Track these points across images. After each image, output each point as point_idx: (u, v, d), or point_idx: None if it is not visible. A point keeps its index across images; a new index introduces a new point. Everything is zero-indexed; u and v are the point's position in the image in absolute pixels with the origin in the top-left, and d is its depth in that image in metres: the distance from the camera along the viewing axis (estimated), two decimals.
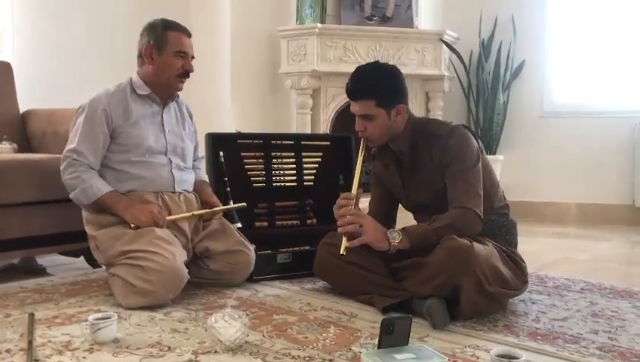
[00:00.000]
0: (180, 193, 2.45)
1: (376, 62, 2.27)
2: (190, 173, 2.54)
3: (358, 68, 2.23)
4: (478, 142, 2.22)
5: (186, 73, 2.42)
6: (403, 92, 2.22)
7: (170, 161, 2.43)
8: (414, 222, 2.38)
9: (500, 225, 2.22)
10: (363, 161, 2.26)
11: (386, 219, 2.41)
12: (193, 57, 2.45)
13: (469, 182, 2.12)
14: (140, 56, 2.42)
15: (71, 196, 2.30)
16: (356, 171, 2.22)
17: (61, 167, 2.32)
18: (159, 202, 2.36)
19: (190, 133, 2.58)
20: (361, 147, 2.26)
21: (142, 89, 2.41)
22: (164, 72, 2.39)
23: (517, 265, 2.16)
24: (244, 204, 2.63)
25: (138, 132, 2.36)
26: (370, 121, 2.17)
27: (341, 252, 2.09)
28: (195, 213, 2.43)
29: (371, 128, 2.19)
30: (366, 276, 2.20)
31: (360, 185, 2.22)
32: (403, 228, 2.12)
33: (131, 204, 2.29)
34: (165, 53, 2.37)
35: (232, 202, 2.73)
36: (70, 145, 2.32)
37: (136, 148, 2.36)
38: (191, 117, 2.63)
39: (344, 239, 2.09)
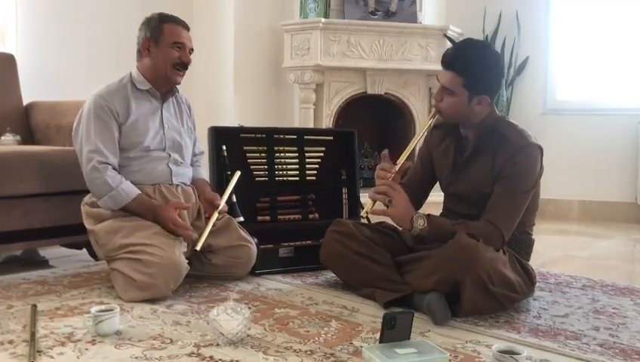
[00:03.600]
0: (178, 185, 2.44)
1: (486, 43, 2.18)
2: (188, 168, 2.53)
3: (466, 39, 2.16)
4: (542, 167, 2.14)
5: (182, 64, 2.40)
6: (495, 86, 2.15)
7: (169, 156, 2.43)
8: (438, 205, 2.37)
9: (517, 241, 2.19)
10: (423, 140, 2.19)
11: (419, 193, 2.38)
12: (192, 50, 2.43)
13: (514, 204, 2.08)
14: (138, 50, 2.42)
15: (99, 202, 2.28)
16: (411, 142, 2.14)
17: (86, 169, 2.29)
18: (157, 195, 2.36)
19: (188, 128, 2.56)
20: (428, 122, 2.18)
21: (142, 84, 2.40)
22: (161, 63, 2.37)
23: (526, 271, 2.14)
24: (239, 171, 2.56)
25: (137, 132, 2.35)
26: (449, 97, 2.10)
27: (362, 213, 2.10)
28: (212, 222, 2.37)
29: (447, 104, 2.11)
30: (370, 267, 2.19)
31: (408, 157, 2.16)
32: (429, 216, 2.09)
33: (157, 211, 2.28)
34: (162, 45, 2.37)
35: (234, 196, 2.73)
36: (89, 146, 2.28)
37: (135, 146, 2.35)
38: (190, 109, 2.61)
39: (369, 204, 2.08)
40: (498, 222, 2.06)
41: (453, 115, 2.15)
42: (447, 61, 2.11)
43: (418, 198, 2.38)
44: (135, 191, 2.30)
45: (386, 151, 2.17)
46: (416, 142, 2.16)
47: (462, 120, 2.17)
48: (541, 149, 2.14)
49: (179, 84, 2.46)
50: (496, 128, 2.15)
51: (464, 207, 2.19)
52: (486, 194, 2.11)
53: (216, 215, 2.39)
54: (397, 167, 2.12)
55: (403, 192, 2.10)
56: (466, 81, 2.07)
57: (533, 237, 2.27)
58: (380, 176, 2.12)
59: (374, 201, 2.09)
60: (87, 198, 2.40)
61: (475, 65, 2.08)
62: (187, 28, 2.44)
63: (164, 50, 2.37)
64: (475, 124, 2.16)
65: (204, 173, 2.68)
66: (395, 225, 2.15)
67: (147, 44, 2.38)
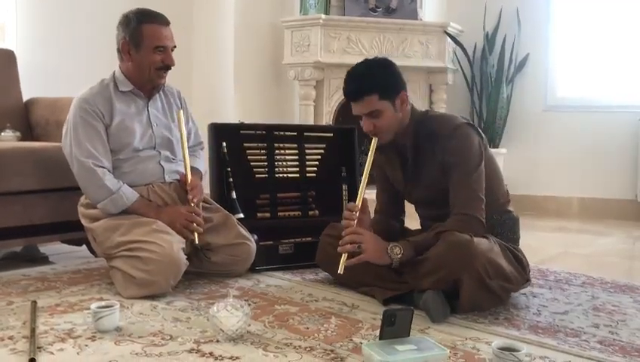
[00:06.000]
0: (171, 183, 2.42)
1: (366, 59, 2.19)
2: (181, 164, 2.47)
3: (349, 70, 2.15)
4: (482, 138, 2.17)
5: (166, 67, 2.34)
6: (401, 79, 2.16)
7: (159, 153, 2.41)
8: (416, 214, 2.38)
9: (501, 224, 2.20)
10: (372, 166, 2.15)
11: (395, 211, 2.40)
12: (174, 47, 2.37)
13: (471, 187, 2.08)
14: (118, 51, 2.37)
15: (99, 206, 2.27)
16: (363, 178, 2.12)
17: (82, 174, 2.26)
18: (151, 196, 2.35)
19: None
20: (370, 151, 2.15)
21: (124, 85, 2.36)
22: (144, 67, 2.32)
23: (518, 261, 2.15)
24: (181, 110, 2.44)
25: (125, 134, 2.32)
26: (378, 118, 2.11)
27: (339, 271, 2.05)
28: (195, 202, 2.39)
29: (380, 124, 2.12)
30: (368, 268, 2.18)
31: (364, 192, 2.13)
32: (407, 240, 2.10)
33: (160, 211, 2.29)
34: (143, 49, 2.30)
35: (234, 193, 2.73)
36: (82, 151, 2.25)
37: (123, 149, 2.33)
38: (180, 100, 2.55)
39: (343, 257, 2.05)
40: (467, 209, 2.07)
41: (391, 129, 2.14)
42: (354, 93, 2.11)
43: (396, 215, 2.40)
44: (134, 193, 2.29)
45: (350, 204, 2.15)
46: (366, 179, 2.11)
47: (398, 129, 2.16)
48: (471, 125, 2.17)
49: (162, 84, 2.42)
50: (423, 126, 2.17)
51: (433, 209, 2.20)
52: (446, 190, 2.12)
53: (189, 190, 2.35)
54: (358, 210, 2.11)
55: (368, 232, 2.11)
56: (380, 94, 2.08)
57: (515, 214, 2.27)
58: (345, 225, 2.11)
59: (346, 253, 2.06)
60: (82, 199, 2.39)
61: (374, 77, 2.10)
62: (167, 23, 2.36)
63: (146, 54, 2.30)
64: (405, 130, 2.16)
65: (200, 162, 2.62)
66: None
67: (127, 48, 2.32)
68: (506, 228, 2.21)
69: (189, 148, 2.55)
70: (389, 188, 2.38)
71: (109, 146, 2.31)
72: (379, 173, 2.40)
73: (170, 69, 2.37)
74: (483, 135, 2.20)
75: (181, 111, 2.42)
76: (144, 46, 2.30)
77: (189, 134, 2.57)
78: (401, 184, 2.30)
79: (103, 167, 2.27)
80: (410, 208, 2.41)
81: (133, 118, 2.36)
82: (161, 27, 2.33)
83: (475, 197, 2.09)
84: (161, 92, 2.47)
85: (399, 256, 2.05)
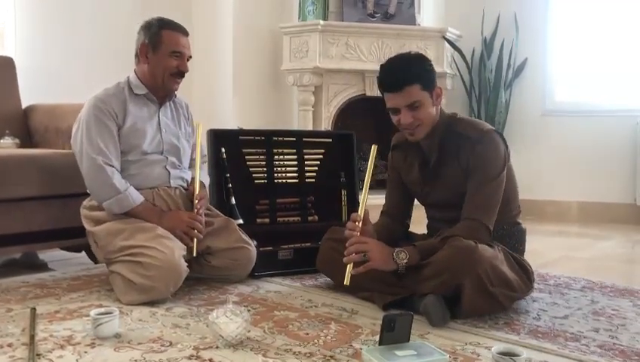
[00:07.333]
0: (176, 188, 2.44)
1: (401, 53, 2.17)
2: (186, 171, 2.52)
3: (386, 63, 2.11)
4: (507, 148, 2.15)
5: (180, 73, 2.39)
6: (435, 72, 2.13)
7: (166, 159, 2.43)
8: (419, 219, 2.37)
9: (510, 235, 2.20)
10: (373, 172, 2.11)
11: (402, 213, 2.39)
12: (190, 57, 2.43)
13: (488, 195, 2.08)
14: (136, 55, 2.41)
15: (104, 204, 2.28)
16: (364, 188, 2.07)
17: (90, 171, 2.27)
18: (155, 199, 2.36)
19: (187, 133, 2.55)
20: (370, 160, 2.09)
21: (139, 88, 2.40)
22: (159, 71, 2.36)
23: (523, 269, 2.14)
24: (200, 123, 2.48)
25: (136, 135, 2.35)
26: (417, 110, 2.07)
27: (345, 282, 2.02)
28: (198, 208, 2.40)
29: (420, 116, 2.07)
30: (368, 272, 2.19)
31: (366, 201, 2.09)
32: (412, 245, 2.09)
33: (163, 217, 2.30)
34: (160, 53, 2.36)
35: (233, 199, 2.73)
36: (92, 148, 2.27)
37: (132, 150, 2.35)
38: (188, 112, 2.60)
39: (349, 267, 2.03)
40: (478, 215, 2.06)
41: (428, 124, 2.11)
42: (395, 84, 2.05)
43: (402, 219, 2.39)
44: (140, 196, 2.31)
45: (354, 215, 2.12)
46: (367, 188, 2.06)
47: (433, 123, 2.13)
48: (499, 133, 2.16)
49: (176, 91, 2.46)
50: (451, 128, 2.15)
51: (450, 211, 2.18)
52: (465, 194, 2.12)
53: (196, 202, 2.37)
54: (360, 220, 2.08)
55: (373, 240, 2.09)
56: (422, 84, 2.06)
57: (523, 226, 2.27)
58: (348, 236, 2.09)
59: (352, 263, 2.03)
60: (86, 202, 2.40)
61: (416, 67, 2.08)
62: (186, 34, 2.43)
63: (163, 58, 2.36)
64: (434, 128, 2.14)
65: (203, 174, 2.62)
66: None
67: (145, 50, 2.37)
68: (514, 240, 2.21)
69: (192, 160, 2.58)
70: (401, 189, 2.37)
71: (120, 147, 2.33)
72: (392, 173, 2.39)
73: (184, 75, 2.42)
74: (507, 145, 2.17)
75: (200, 124, 2.47)
76: (162, 49, 2.36)
77: (194, 146, 2.60)
78: (417, 185, 2.28)
79: (112, 166, 2.28)
80: (415, 213, 2.40)
81: (146, 121, 2.40)
82: (180, 35, 2.40)
83: (489, 205, 2.08)
84: (171, 102, 2.51)
85: (405, 261, 2.04)
